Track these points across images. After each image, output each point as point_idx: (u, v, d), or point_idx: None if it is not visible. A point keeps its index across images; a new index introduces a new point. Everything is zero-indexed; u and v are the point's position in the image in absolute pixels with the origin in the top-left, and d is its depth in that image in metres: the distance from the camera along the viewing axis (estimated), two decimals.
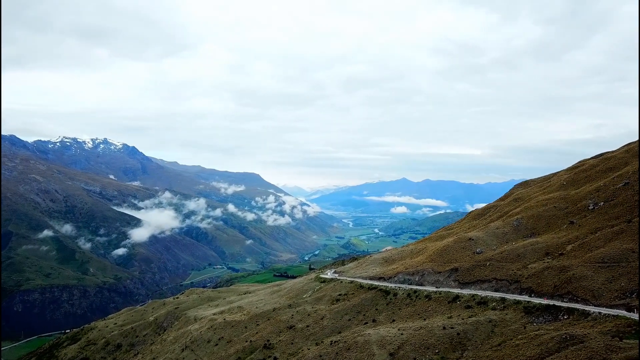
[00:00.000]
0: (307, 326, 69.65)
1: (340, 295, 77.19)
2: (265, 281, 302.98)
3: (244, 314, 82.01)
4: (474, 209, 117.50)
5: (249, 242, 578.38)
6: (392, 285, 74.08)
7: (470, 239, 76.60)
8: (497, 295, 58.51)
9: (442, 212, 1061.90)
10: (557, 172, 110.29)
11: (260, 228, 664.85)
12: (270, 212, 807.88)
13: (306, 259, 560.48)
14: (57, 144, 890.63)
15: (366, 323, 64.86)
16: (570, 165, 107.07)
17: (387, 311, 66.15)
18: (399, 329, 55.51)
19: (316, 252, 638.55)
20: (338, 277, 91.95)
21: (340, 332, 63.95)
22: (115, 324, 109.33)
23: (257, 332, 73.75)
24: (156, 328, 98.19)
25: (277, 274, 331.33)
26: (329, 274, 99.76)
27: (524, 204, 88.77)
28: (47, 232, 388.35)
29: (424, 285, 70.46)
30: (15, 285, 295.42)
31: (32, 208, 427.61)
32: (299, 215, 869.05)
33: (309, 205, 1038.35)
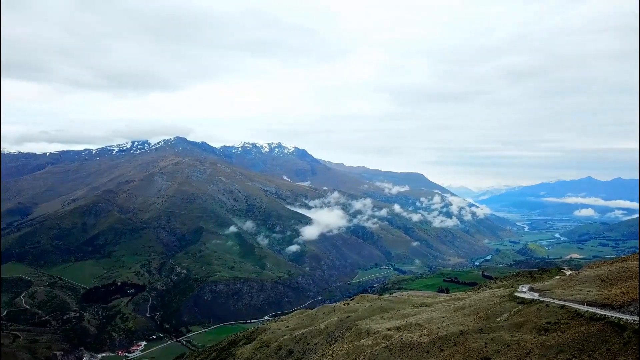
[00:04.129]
0: None
1: (549, 323, 60.89)
2: (434, 286, 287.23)
3: (424, 335, 70.68)
4: None
5: (415, 243, 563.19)
6: (628, 317, 55.43)
7: None
8: None
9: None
10: None
11: (426, 229, 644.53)
12: (436, 213, 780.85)
13: (477, 264, 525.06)
14: (239, 148, 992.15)
15: None
16: None
17: (625, 355, 48.69)
18: None
19: (488, 257, 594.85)
20: (539, 298, 74.78)
21: None
22: (287, 327, 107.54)
23: None
24: (327, 337, 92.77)
25: (447, 279, 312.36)
26: (526, 293, 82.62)
27: None
28: (232, 229, 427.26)
29: None
30: (205, 276, 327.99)
31: (218, 206, 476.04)
32: (467, 217, 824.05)
33: (477, 207, 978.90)
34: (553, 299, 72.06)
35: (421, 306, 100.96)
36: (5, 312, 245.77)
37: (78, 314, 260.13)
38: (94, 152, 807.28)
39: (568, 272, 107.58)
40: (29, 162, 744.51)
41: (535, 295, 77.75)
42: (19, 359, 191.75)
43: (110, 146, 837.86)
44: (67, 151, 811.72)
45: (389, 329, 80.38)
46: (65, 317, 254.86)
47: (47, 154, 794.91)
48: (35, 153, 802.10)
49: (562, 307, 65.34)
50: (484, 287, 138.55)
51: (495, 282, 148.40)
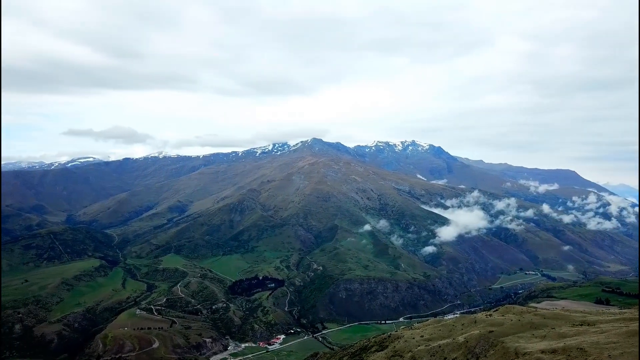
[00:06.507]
0: None
1: None
2: (591, 296, 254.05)
3: None
4: None
5: (566, 247, 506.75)
6: None
7: None
8: None
9: None
10: None
11: (579, 232, 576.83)
12: (591, 214, 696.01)
13: None
14: (372, 148, 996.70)
15: None
16: None
17: None
18: None
19: None
20: None
21: None
22: (422, 336, 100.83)
23: None
24: (466, 352, 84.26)
25: (607, 289, 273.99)
26: None
27: None
28: (366, 227, 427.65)
29: None
30: (340, 273, 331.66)
31: (352, 205, 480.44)
32: (630, 218, 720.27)
33: None
34: None
35: (582, 325, 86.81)
36: (164, 299, 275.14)
37: (225, 305, 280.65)
38: (240, 154, 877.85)
39: None
40: (186, 164, 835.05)
41: None
42: (175, 342, 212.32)
43: (254, 148, 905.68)
44: (217, 154, 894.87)
45: (542, 351, 69.57)
46: (214, 307, 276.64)
47: (201, 156, 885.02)
48: (191, 156, 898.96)
49: None
50: None
51: None
